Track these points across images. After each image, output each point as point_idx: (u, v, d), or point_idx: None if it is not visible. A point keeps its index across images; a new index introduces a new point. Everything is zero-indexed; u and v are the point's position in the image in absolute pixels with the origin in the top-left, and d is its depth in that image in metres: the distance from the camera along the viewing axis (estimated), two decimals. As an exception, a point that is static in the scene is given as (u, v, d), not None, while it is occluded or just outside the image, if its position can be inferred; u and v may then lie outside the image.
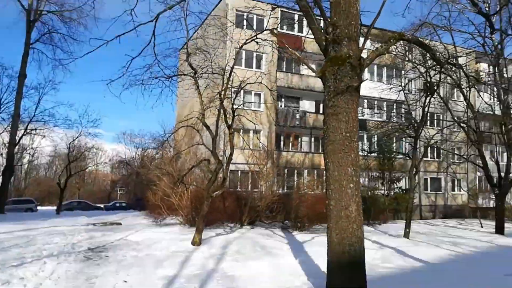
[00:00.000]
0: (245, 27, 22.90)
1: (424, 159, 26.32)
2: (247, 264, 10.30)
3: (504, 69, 22.25)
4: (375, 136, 28.37)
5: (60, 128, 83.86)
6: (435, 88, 17.93)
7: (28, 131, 31.82)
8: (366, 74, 27.68)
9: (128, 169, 54.88)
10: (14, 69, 32.26)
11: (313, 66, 7.86)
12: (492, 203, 26.65)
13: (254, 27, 20.23)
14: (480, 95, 24.60)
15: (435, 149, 30.58)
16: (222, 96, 13.65)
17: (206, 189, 13.63)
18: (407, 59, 22.45)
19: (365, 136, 28.30)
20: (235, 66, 14.12)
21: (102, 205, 43.80)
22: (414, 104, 21.70)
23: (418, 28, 17.09)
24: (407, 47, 21.79)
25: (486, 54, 22.43)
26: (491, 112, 23.67)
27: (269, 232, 16.41)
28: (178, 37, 32.90)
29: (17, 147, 31.69)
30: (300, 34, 25.56)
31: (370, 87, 26.91)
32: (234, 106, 14.24)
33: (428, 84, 17.87)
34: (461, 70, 18.94)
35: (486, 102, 23.49)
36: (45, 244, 12.29)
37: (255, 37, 12.72)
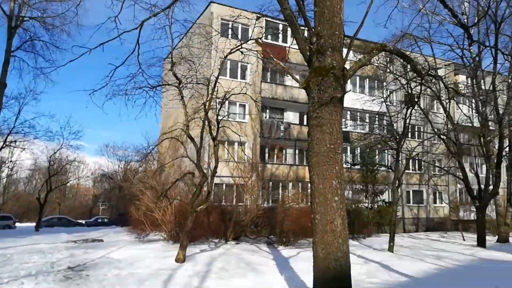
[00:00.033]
0: (230, 36, 23.01)
1: (406, 171, 26.60)
2: (232, 281, 10.11)
3: (482, 81, 22.80)
4: (358, 148, 28.55)
5: (41, 140, 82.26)
6: (416, 99, 18.21)
7: (7, 143, 30.79)
8: (348, 86, 27.93)
9: (111, 183, 53.87)
10: (-6, 78, 31.37)
11: (297, 77, 7.86)
12: (473, 216, 27.00)
13: (239, 37, 20.33)
14: (459, 107, 25.14)
15: (416, 161, 30.96)
16: (206, 106, 13.56)
17: (190, 204, 13.40)
18: (388, 70, 22.85)
19: (348, 148, 28.48)
20: (220, 76, 14.08)
21: (83, 221, 42.75)
22: (396, 116, 22.01)
23: (400, 39, 17.43)
24: (388, 59, 22.19)
25: (464, 66, 22.95)
26: (470, 124, 24.15)
27: (254, 248, 16.19)
28: (162, 46, 32.82)
29: (-5, 161, 30.70)
30: (284, 44, 25.80)
31: (353, 99, 27.20)
32: (219, 117, 14.14)
33: (409, 96, 18.16)
34: (440, 82, 19.32)
35: (465, 114, 24.00)
36: (22, 263, 11.87)
37: (240, 47, 12.73)
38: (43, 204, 32.26)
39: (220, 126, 14.20)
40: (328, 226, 5.77)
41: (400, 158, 18.71)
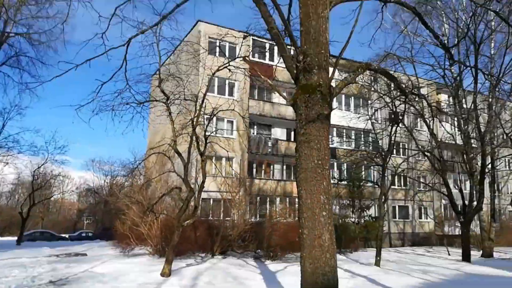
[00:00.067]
0: (217, 54, 23.32)
1: (392, 187, 26.95)
2: (218, 295, 10.05)
3: (463, 100, 23.45)
4: (345, 164, 28.95)
5: (25, 155, 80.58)
6: (400, 117, 18.64)
7: (-11, 158, 30.27)
8: (334, 103, 28.43)
9: (96, 198, 52.98)
10: (-22, 93, 31.10)
11: (284, 94, 8.06)
12: (457, 231, 27.40)
13: (227, 54, 20.62)
14: (442, 125, 25.72)
15: (402, 177, 31.46)
16: (194, 122, 13.66)
17: (177, 218, 13.36)
18: (373, 89, 23.42)
19: (335, 164, 28.81)
20: (207, 93, 14.24)
21: (67, 235, 41.86)
22: (381, 133, 22.44)
23: (383, 58, 17.91)
24: (373, 78, 22.79)
25: (446, 85, 23.61)
26: (453, 142, 24.72)
27: (241, 262, 16.13)
28: (150, 63, 32.81)
29: (-23, 175, 30.07)
30: (271, 62, 26.24)
31: (339, 116, 27.69)
32: (207, 133, 14.25)
33: (393, 114, 18.58)
34: (424, 101, 19.83)
35: (448, 132, 24.60)
36: (2, 278, 11.63)
37: (227, 64, 12.95)
38: (25, 218, 31.64)
39: (207, 141, 14.31)
40: (316, 241, 5.83)
41: (386, 174, 19.03)
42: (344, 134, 29.93)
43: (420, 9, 9.93)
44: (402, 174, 28.36)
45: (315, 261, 5.78)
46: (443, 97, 32.54)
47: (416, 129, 30.06)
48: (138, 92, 12.93)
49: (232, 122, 26.06)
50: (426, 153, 22.90)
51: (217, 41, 22.31)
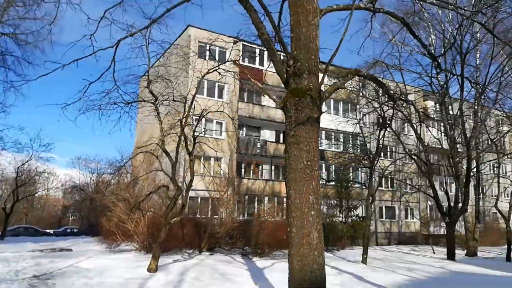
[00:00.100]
0: (207, 57, 23.34)
1: (379, 188, 27.36)
2: (205, 291, 10.14)
3: (450, 106, 24.00)
4: (333, 165, 29.31)
5: (9, 152, 79.09)
6: (388, 122, 18.99)
7: (-28, 155, 29.75)
8: (323, 107, 28.84)
9: (82, 195, 52.43)
10: (-37, 91, 30.30)
11: (274, 97, 8.18)
12: (443, 231, 27.99)
13: (217, 58, 20.68)
14: (429, 130, 26.26)
15: (389, 179, 31.93)
16: (183, 123, 13.70)
17: (164, 216, 13.41)
18: (361, 94, 23.82)
19: (324, 165, 29.11)
20: (197, 95, 14.30)
21: (51, 231, 41.37)
22: (369, 136, 22.83)
23: (372, 66, 18.25)
24: (361, 84, 23.19)
25: (433, 92, 24.20)
26: (440, 146, 25.27)
27: (228, 259, 16.25)
28: (139, 64, 32.64)
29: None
30: (261, 67, 26.35)
31: (328, 119, 28.00)
32: (195, 134, 14.31)
33: (382, 119, 18.90)
34: (411, 106, 20.26)
35: (434, 137, 25.13)
36: (-16, 272, 11.49)
37: (217, 68, 13.03)
38: (8, 214, 31.23)
39: (196, 142, 14.37)
40: (304, 239, 5.97)
41: (373, 176, 19.37)
42: (333, 137, 30.29)
43: (408, 19, 10.15)
44: (389, 176, 28.83)
45: (303, 259, 5.92)
46: (430, 103, 33.18)
47: (403, 134, 30.56)
48: (126, 93, 12.87)
49: (221, 123, 26.14)
50: (413, 156, 23.38)
51: (207, 45, 22.33)
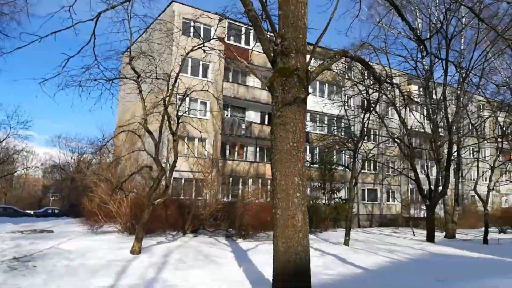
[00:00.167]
0: (191, 34, 22.77)
1: (362, 171, 27.75)
2: (189, 273, 10.11)
3: (434, 91, 24.25)
4: (317, 148, 29.47)
5: (-15, 129, 76.87)
6: (373, 105, 19.04)
7: None
8: (309, 90, 28.76)
9: (62, 174, 51.61)
10: None
11: (260, 77, 7.98)
12: (423, 213, 28.69)
13: (201, 35, 20.19)
14: (412, 114, 26.57)
15: (372, 162, 32.35)
16: (166, 102, 13.41)
17: (147, 197, 13.24)
18: (347, 77, 23.80)
19: (308, 148, 29.22)
20: (180, 73, 13.96)
21: (31, 212, 40.68)
22: (354, 119, 22.93)
23: (359, 48, 18.15)
24: (347, 66, 23.15)
25: (418, 76, 24.38)
26: (422, 130, 25.63)
27: (212, 240, 16.25)
28: (120, 39, 31.73)
29: None
30: (246, 46, 25.93)
31: (313, 101, 27.95)
32: (179, 113, 14.03)
33: (366, 102, 18.93)
34: (396, 90, 20.35)
35: (418, 121, 25.40)
36: (-39, 254, 11.19)
37: (202, 45, 12.69)
38: (-13, 193, 30.55)
39: (180, 121, 14.09)
40: (289, 221, 5.95)
41: (357, 159, 19.50)
42: (318, 119, 30.35)
43: (396, 1, 10.03)
44: (372, 159, 29.18)
45: (288, 241, 5.91)
46: (414, 87, 33.48)
47: (387, 117, 30.82)
48: (107, 69, 12.56)
49: (205, 103, 25.79)
50: (396, 139, 23.63)
51: (192, 21, 21.78)
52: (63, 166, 51.22)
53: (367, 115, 18.48)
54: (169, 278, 9.35)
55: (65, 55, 9.04)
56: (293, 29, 6.22)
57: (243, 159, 27.62)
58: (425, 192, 23.00)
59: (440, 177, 22.96)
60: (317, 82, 30.52)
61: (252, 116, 28.75)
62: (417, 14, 24.04)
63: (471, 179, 36.53)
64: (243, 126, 27.07)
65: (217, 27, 12.12)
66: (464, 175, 36.86)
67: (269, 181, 25.65)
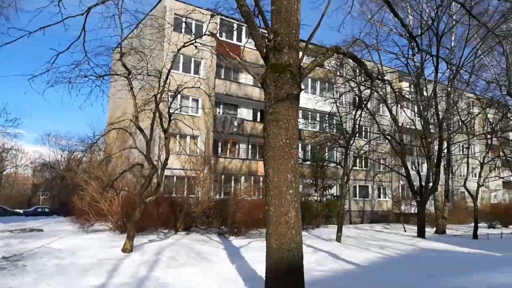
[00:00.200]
0: (183, 30, 22.58)
1: (354, 168, 27.82)
2: (181, 270, 10.06)
3: (424, 88, 24.43)
4: (309, 145, 29.53)
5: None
6: (365, 102, 19.12)
7: None
8: (301, 86, 28.78)
9: (52, 173, 51.00)
10: None
11: (252, 73, 7.94)
12: (414, 209, 28.97)
13: (193, 31, 20.03)
14: (403, 111, 26.74)
15: (363, 159, 32.52)
16: (158, 99, 13.28)
17: (139, 195, 13.12)
18: (339, 73, 23.89)
19: (300, 145, 29.25)
20: (172, 70, 13.83)
21: (21, 211, 40.16)
22: (345, 116, 23.03)
23: (351, 44, 18.22)
24: (339, 63, 23.21)
25: (409, 73, 24.56)
26: (413, 127, 25.81)
27: (205, 238, 16.20)
28: (111, 35, 31.33)
29: None
30: (238, 43, 25.81)
31: (305, 98, 27.92)
32: (171, 110, 13.91)
33: (358, 99, 18.99)
34: (387, 87, 20.50)
35: (409, 117, 25.59)
36: (-50, 253, 11.00)
37: (194, 41, 12.58)
38: (-25, 192, 30.07)
39: (171, 119, 13.98)
40: (282, 218, 5.93)
41: (348, 156, 19.59)
42: (310, 116, 30.38)
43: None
44: (363, 156, 29.34)
45: (281, 237, 5.89)
46: (405, 85, 33.71)
47: (378, 114, 31.00)
48: (98, 65, 12.27)
49: (197, 100, 25.64)
50: (387, 136, 23.78)
51: (183, 17, 21.60)
52: (53, 165, 50.61)
53: (358, 112, 18.55)
54: (161, 276, 9.29)
55: (54, 51, 8.91)
56: (286, 25, 6.17)
57: (235, 157, 27.56)
58: (415, 188, 23.22)
59: (431, 174, 23.20)
60: (309, 79, 30.55)
61: (244, 113, 28.68)
62: (409, 11, 24.26)
63: (461, 175, 36.93)
64: (235, 123, 26.98)
65: (209, 23, 12.00)
66: (454, 171, 37.24)
67: (261, 178, 25.63)
